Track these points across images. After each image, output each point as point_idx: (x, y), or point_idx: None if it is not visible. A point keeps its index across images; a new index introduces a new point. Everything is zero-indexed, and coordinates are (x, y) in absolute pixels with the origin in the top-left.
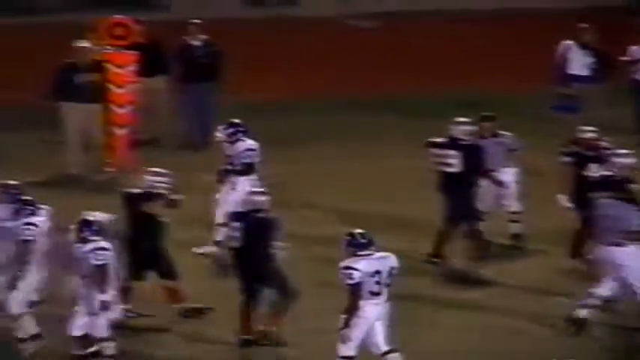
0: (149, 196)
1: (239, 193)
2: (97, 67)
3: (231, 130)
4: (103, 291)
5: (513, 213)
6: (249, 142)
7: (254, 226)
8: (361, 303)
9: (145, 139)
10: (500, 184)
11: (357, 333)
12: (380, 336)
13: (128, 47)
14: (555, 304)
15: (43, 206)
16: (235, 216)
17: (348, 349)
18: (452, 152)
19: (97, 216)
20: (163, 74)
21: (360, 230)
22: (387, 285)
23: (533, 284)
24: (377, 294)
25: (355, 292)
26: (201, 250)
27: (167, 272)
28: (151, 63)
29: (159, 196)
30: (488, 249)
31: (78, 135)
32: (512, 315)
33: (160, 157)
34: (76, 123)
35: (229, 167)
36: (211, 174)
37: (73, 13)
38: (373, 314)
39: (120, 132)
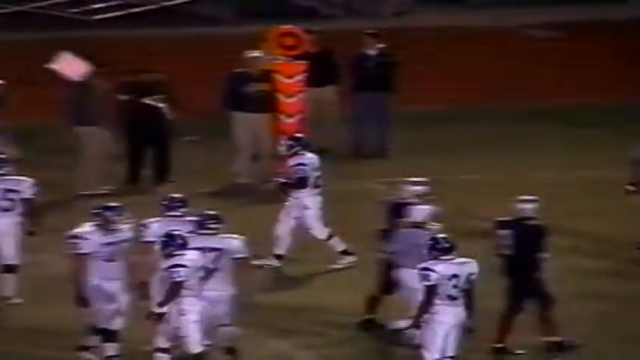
0: (409, 205)
1: (313, 209)
2: (267, 77)
3: (291, 143)
4: (162, 304)
5: None
6: (307, 156)
7: (526, 234)
8: (439, 307)
9: (313, 149)
10: None
11: (436, 338)
12: (451, 341)
13: (298, 57)
14: None
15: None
16: (505, 224)
17: (431, 356)
18: None
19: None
20: (333, 84)
21: (443, 235)
22: (465, 291)
23: None
24: (454, 298)
25: (429, 294)
26: (260, 262)
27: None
28: (321, 73)
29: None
30: None
31: (247, 144)
32: None
33: (330, 167)
34: (245, 132)
35: (287, 181)
36: (381, 184)
37: (246, 25)
38: (450, 319)
39: None
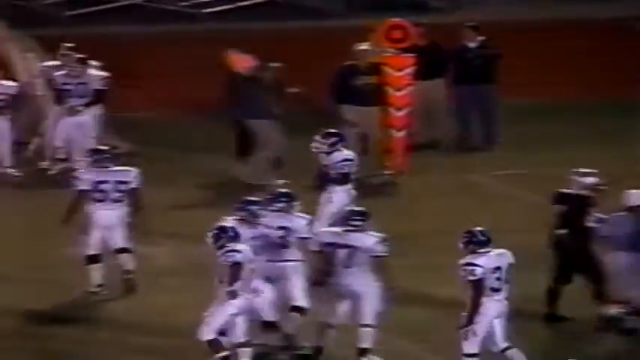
0: (583, 198)
1: (336, 204)
2: (376, 69)
3: (330, 140)
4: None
5: None
6: (346, 153)
7: (578, 207)
8: (483, 299)
9: (422, 142)
10: None
11: (479, 330)
12: (499, 333)
13: (407, 50)
14: None
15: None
16: (559, 198)
17: (471, 347)
18: None
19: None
20: (442, 77)
21: (479, 228)
22: (507, 281)
23: None
24: (497, 290)
25: (477, 289)
26: None
27: (597, 277)
28: (429, 66)
29: (591, 199)
30: None
31: (356, 138)
32: None
33: (439, 160)
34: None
35: (327, 176)
36: (488, 177)
37: (356, 18)
38: (494, 311)
39: (397, 134)
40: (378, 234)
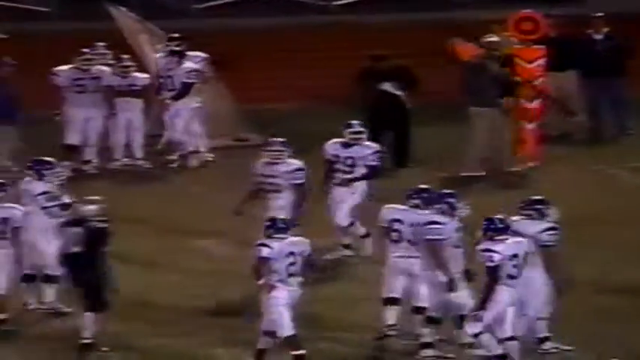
0: None
1: (356, 196)
2: (507, 61)
3: (354, 130)
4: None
5: None
6: (374, 145)
7: None
8: (498, 287)
9: (554, 134)
10: None
11: (489, 315)
12: (509, 321)
13: (537, 42)
14: None
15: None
16: None
17: (476, 328)
18: None
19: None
20: (574, 69)
21: (499, 215)
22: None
23: None
24: (514, 277)
25: (494, 275)
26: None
27: None
28: (561, 57)
29: None
30: None
31: (487, 130)
32: None
33: (571, 152)
34: (485, 118)
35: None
36: (620, 168)
37: (487, 9)
38: (508, 298)
39: (529, 126)
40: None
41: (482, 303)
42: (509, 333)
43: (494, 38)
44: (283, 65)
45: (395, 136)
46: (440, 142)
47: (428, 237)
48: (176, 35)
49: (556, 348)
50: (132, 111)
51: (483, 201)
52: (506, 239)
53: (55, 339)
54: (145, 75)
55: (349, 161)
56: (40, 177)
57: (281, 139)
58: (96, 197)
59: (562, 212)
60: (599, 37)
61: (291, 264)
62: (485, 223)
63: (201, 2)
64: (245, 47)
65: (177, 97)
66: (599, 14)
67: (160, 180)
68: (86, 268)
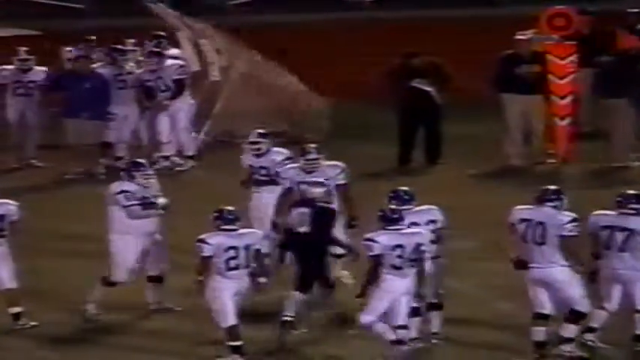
0: None
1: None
2: (539, 58)
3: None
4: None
5: None
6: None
7: None
8: (384, 276)
9: (586, 131)
10: None
11: (380, 305)
12: (403, 310)
13: (570, 38)
14: None
15: None
16: None
17: (367, 318)
18: None
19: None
20: None
21: (393, 207)
22: (413, 260)
23: None
24: (399, 268)
25: (375, 264)
26: None
27: None
28: (593, 54)
29: None
30: None
31: (519, 126)
32: None
33: (601, 149)
34: (516, 114)
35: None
36: None
37: (521, 6)
38: (399, 288)
39: (561, 123)
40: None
41: (363, 290)
42: (401, 322)
43: (528, 35)
44: (317, 61)
45: (426, 132)
46: (471, 138)
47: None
48: (159, 33)
49: None
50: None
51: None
52: (398, 230)
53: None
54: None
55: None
56: (131, 178)
57: (314, 146)
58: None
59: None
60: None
61: (232, 258)
62: (379, 213)
63: None
64: (279, 43)
65: (174, 96)
66: (635, 10)
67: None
68: (311, 248)
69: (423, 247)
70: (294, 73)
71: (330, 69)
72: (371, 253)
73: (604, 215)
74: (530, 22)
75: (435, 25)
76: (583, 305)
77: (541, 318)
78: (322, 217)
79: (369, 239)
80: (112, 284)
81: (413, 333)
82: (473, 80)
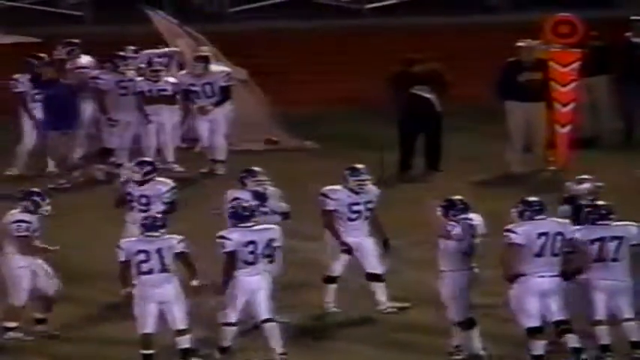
0: None
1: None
2: (541, 65)
3: (145, 169)
4: None
5: None
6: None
7: None
8: (238, 273)
9: (586, 138)
10: None
11: (236, 302)
12: (262, 305)
13: (573, 45)
14: None
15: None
16: None
17: (228, 318)
18: None
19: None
20: (607, 73)
21: (244, 204)
22: (266, 256)
23: None
24: (252, 264)
25: (228, 261)
26: None
27: None
28: (595, 61)
29: None
30: None
31: (520, 133)
32: None
33: (603, 156)
34: (518, 121)
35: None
36: None
37: (523, 13)
38: (250, 284)
39: (562, 130)
40: None
41: (220, 288)
42: (265, 315)
43: (531, 42)
44: (316, 69)
45: (427, 139)
46: (471, 145)
47: None
48: (72, 40)
49: None
50: (162, 115)
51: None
52: (249, 227)
53: None
54: (176, 80)
55: (144, 200)
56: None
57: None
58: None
59: None
60: (638, 40)
61: (143, 261)
62: (230, 210)
63: (236, 6)
64: (278, 50)
65: (220, 103)
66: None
67: (192, 184)
68: None
69: (275, 243)
70: (293, 80)
71: (329, 75)
72: (224, 250)
73: (588, 229)
74: (529, 29)
75: (435, 32)
76: (565, 314)
77: (538, 332)
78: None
79: (221, 237)
80: None
81: None
82: (473, 87)
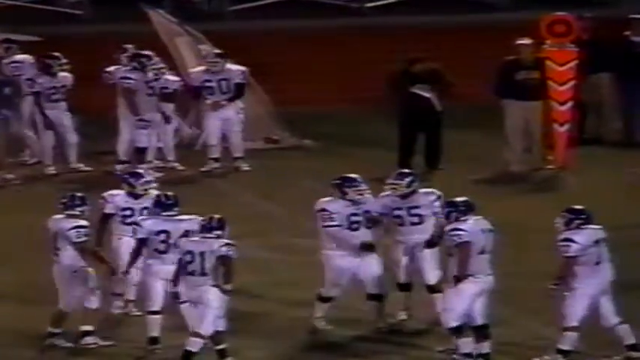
0: None
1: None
2: (539, 64)
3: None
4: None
5: None
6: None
7: None
8: (147, 261)
9: (585, 137)
10: None
11: (156, 292)
12: (159, 294)
13: (576, 44)
14: None
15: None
16: None
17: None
18: None
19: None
20: (606, 71)
21: (169, 193)
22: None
23: None
24: (163, 252)
25: (137, 246)
26: None
27: None
28: (593, 60)
29: None
30: None
31: (519, 132)
32: None
33: (603, 155)
34: (516, 120)
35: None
36: None
37: (521, 12)
38: (156, 273)
39: (560, 129)
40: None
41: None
42: (155, 307)
43: (528, 41)
44: (316, 68)
45: (426, 138)
46: (471, 144)
47: None
48: (9, 37)
49: None
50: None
51: (515, 204)
52: (170, 216)
53: None
54: (177, 78)
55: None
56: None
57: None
58: None
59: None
60: (637, 39)
61: (188, 262)
62: (155, 199)
63: (235, 4)
64: (278, 49)
65: (233, 99)
66: (638, 16)
67: (193, 182)
68: None
69: (191, 236)
70: (293, 79)
71: (330, 74)
72: (136, 237)
73: (585, 234)
74: (529, 28)
75: (435, 31)
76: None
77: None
78: None
79: (136, 223)
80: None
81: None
82: (472, 86)
